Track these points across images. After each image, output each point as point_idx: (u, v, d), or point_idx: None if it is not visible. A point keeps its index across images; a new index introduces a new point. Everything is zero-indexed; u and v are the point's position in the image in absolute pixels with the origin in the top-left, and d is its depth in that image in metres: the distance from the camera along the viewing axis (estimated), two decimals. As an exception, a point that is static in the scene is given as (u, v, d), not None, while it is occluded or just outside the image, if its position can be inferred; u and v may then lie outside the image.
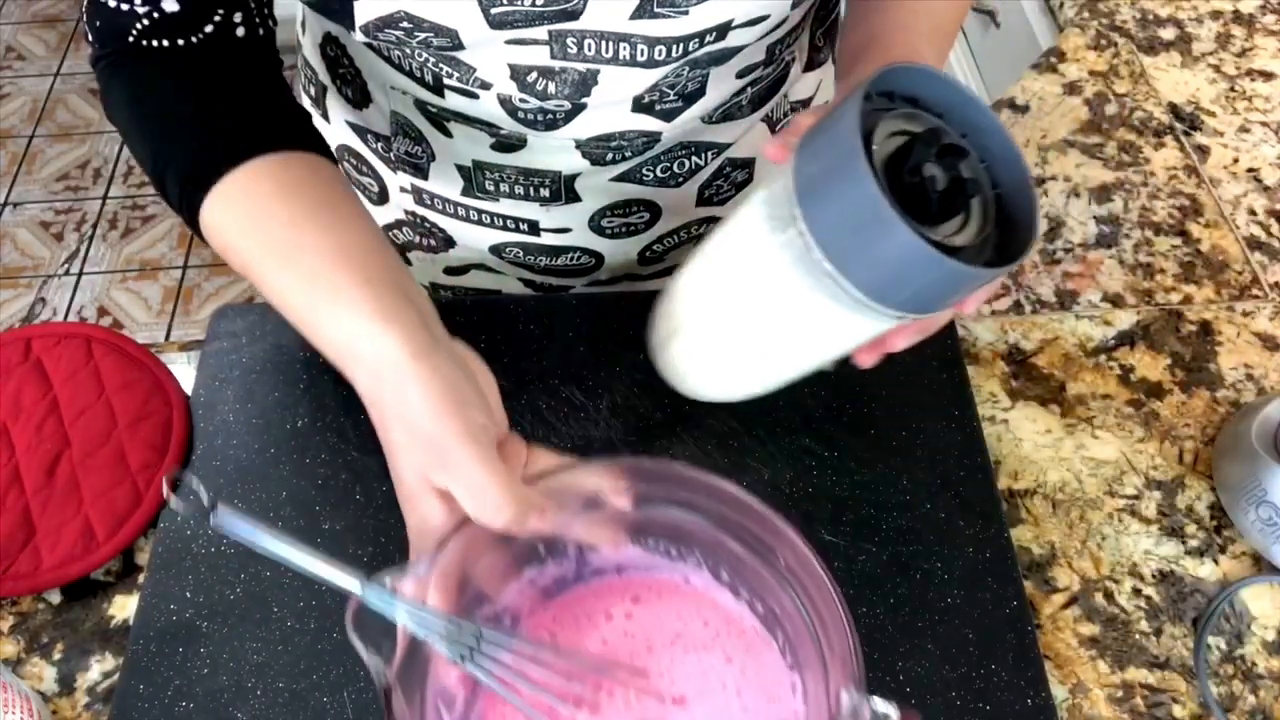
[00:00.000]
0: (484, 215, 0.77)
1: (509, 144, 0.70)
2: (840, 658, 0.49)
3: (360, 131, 0.76)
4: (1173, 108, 0.92)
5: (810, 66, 0.80)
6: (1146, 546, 0.66)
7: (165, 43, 0.58)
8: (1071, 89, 0.94)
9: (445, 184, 0.76)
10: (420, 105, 0.70)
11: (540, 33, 0.58)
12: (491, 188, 0.75)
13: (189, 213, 0.57)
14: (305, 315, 0.54)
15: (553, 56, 0.60)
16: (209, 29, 0.59)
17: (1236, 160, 0.88)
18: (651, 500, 0.57)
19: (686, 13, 0.57)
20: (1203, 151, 0.89)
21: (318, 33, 0.75)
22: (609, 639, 0.58)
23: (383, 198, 0.81)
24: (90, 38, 0.60)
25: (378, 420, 0.52)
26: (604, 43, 0.59)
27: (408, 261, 0.85)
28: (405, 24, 0.56)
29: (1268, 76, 0.96)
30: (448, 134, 0.71)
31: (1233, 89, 0.94)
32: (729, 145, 0.76)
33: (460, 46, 0.58)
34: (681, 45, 0.60)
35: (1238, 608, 0.64)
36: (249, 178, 0.55)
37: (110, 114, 0.61)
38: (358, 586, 0.48)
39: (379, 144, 0.76)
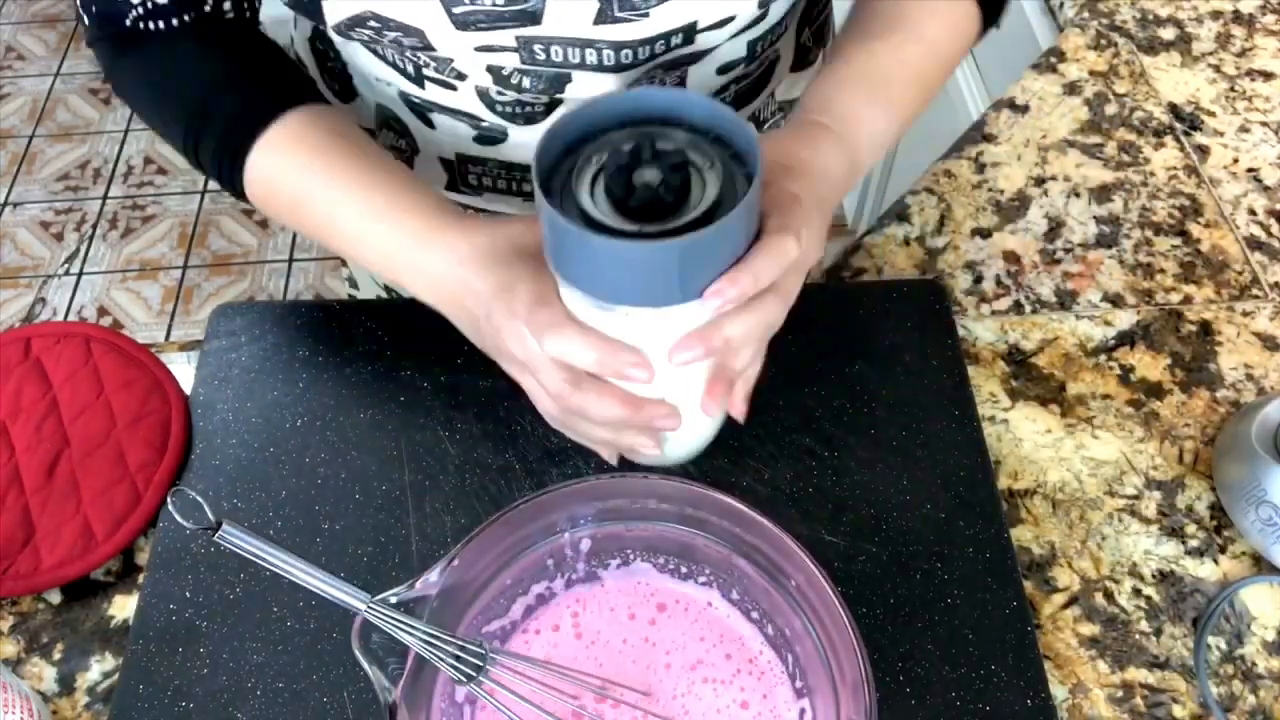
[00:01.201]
0: (468, 210, 0.77)
1: (491, 137, 0.70)
2: (851, 685, 0.49)
3: None
4: (1173, 108, 0.92)
5: (798, 66, 0.79)
6: (1146, 546, 0.66)
7: (162, 25, 0.64)
8: (1071, 89, 0.94)
9: (429, 178, 0.76)
10: (403, 96, 0.70)
11: (507, 39, 0.59)
12: (475, 182, 0.75)
13: (230, 169, 0.64)
14: (359, 231, 0.61)
15: (522, 62, 0.61)
16: (206, 8, 0.64)
17: (1236, 160, 0.88)
18: (662, 518, 0.57)
19: (647, 15, 0.58)
20: (1203, 151, 0.89)
21: (306, 28, 0.77)
22: (630, 639, 0.58)
23: None
24: (86, 21, 0.64)
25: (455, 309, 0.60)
26: (570, 49, 0.60)
27: None
28: (374, 23, 0.58)
29: (1268, 76, 0.96)
30: (430, 125, 0.71)
31: (1233, 89, 0.94)
32: None
33: (430, 47, 0.60)
34: (648, 48, 0.60)
35: (1238, 608, 0.64)
36: (297, 127, 0.63)
37: (121, 91, 0.67)
38: (363, 606, 0.48)
39: None
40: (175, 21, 0.64)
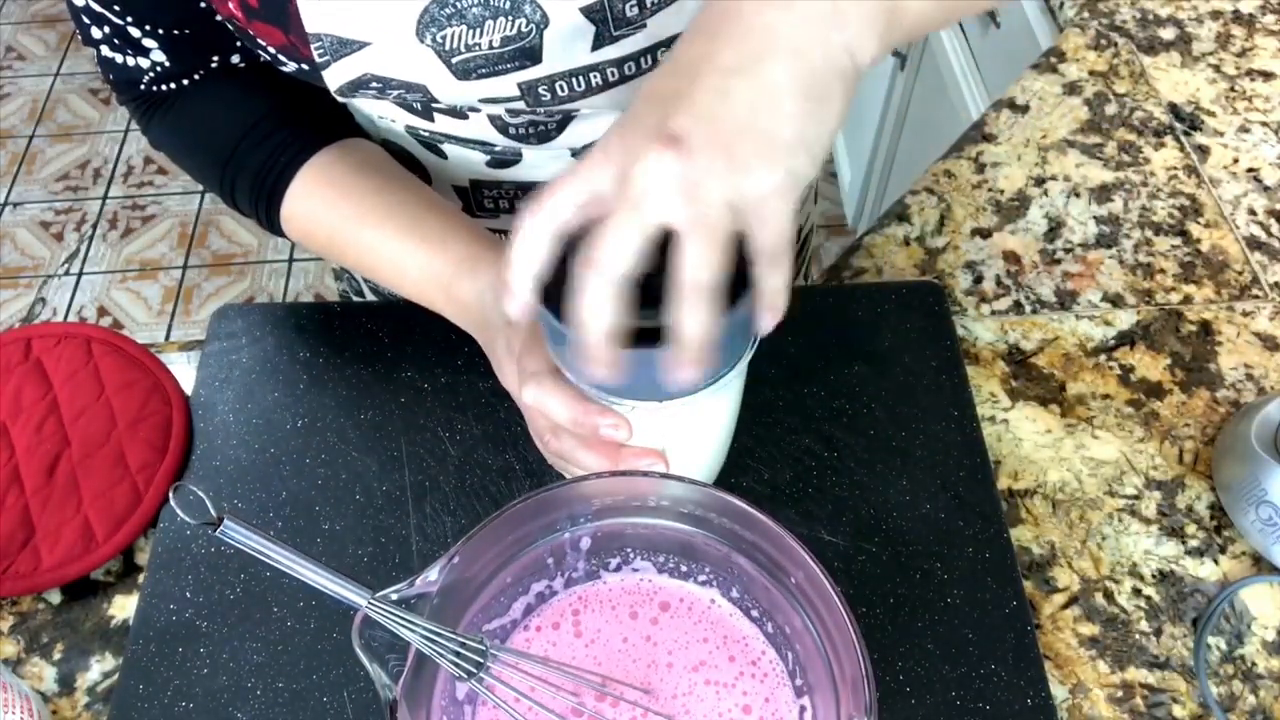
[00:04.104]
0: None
1: (505, 160, 0.70)
2: (851, 683, 0.48)
3: None
4: (1173, 108, 0.92)
5: None
6: (1146, 546, 0.66)
7: (173, 85, 0.68)
8: (1071, 89, 0.94)
9: None
10: (411, 131, 0.70)
11: (509, 86, 0.59)
12: (491, 205, 0.75)
13: (266, 214, 0.67)
14: (395, 262, 0.64)
15: (529, 107, 0.62)
16: (213, 65, 0.67)
17: (1236, 160, 0.88)
18: (662, 515, 0.57)
19: (645, 26, 0.57)
20: (1203, 151, 0.89)
21: None
22: (630, 638, 0.58)
23: None
24: (111, 86, 0.70)
25: (481, 337, 0.62)
26: (574, 79, 0.60)
27: None
28: (375, 84, 0.59)
29: (1268, 76, 0.96)
30: (442, 155, 0.71)
31: (1233, 89, 0.94)
32: None
33: (435, 100, 0.62)
34: (649, 57, 0.60)
35: (1238, 608, 0.64)
36: (325, 168, 0.65)
37: (157, 146, 0.71)
38: (364, 602, 0.48)
39: None
40: (186, 81, 0.67)
